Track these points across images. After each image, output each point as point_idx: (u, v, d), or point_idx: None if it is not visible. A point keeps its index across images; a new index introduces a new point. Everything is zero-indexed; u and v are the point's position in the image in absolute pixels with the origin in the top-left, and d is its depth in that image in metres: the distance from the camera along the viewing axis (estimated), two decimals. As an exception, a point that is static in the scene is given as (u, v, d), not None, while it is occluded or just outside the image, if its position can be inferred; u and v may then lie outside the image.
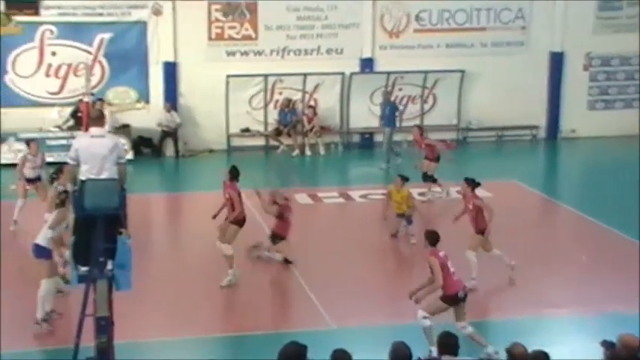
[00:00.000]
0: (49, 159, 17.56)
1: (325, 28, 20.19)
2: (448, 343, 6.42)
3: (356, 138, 20.74)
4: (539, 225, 14.78)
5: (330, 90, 20.45)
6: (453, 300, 8.68)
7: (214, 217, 11.61)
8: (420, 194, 15.01)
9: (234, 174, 11.32)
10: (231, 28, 19.85)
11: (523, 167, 18.87)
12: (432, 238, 8.81)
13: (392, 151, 18.36)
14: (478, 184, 11.29)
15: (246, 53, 19.98)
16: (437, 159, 15.13)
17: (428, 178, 15.13)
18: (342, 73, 20.37)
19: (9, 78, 19.04)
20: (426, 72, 20.55)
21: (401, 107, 19.83)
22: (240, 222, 11.22)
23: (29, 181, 13.47)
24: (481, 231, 10.92)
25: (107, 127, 10.23)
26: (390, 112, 18.42)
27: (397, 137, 18.54)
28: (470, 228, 11.07)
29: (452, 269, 8.74)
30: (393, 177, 13.84)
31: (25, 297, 10.01)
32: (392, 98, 19.28)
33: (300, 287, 11.25)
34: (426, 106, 20.95)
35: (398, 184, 12.96)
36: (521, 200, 15.95)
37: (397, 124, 18.40)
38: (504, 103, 20.70)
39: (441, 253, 8.75)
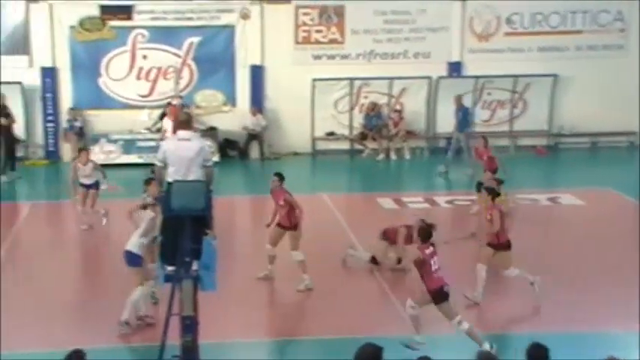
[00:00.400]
0: (139, 160, 18.13)
1: (413, 32, 20.00)
2: (538, 355, 6.17)
3: (442, 143, 20.42)
4: (637, 234, 14.12)
5: (416, 94, 20.24)
6: (437, 294, 8.87)
7: (268, 225, 11.46)
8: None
9: (283, 179, 11.21)
10: (317, 31, 19.89)
11: (619, 175, 18.08)
12: (425, 234, 9.02)
13: (457, 155, 17.90)
14: (498, 194, 10.97)
15: (332, 57, 19.98)
16: (494, 172, 14.84)
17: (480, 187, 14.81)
18: (429, 77, 20.12)
19: (102, 81, 19.62)
20: (516, 76, 20.08)
21: (489, 111, 19.44)
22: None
23: (87, 186, 13.67)
24: (503, 245, 10.48)
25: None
26: (463, 117, 18.11)
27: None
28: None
29: (435, 266, 8.93)
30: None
31: (113, 293, 10.21)
32: (465, 103, 18.84)
33: (383, 293, 11.10)
34: (516, 111, 20.48)
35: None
36: (617, 209, 15.31)
37: (470, 129, 18.02)
38: (600, 109, 20.00)
39: (427, 250, 8.93)
